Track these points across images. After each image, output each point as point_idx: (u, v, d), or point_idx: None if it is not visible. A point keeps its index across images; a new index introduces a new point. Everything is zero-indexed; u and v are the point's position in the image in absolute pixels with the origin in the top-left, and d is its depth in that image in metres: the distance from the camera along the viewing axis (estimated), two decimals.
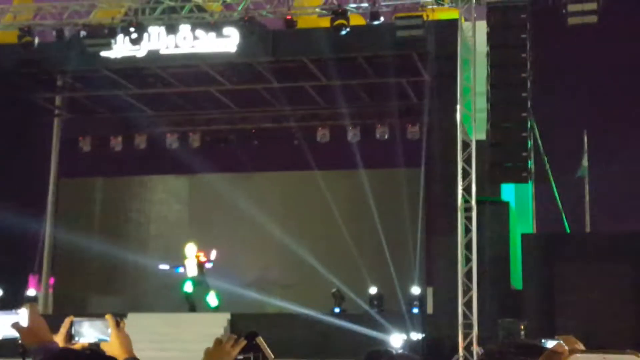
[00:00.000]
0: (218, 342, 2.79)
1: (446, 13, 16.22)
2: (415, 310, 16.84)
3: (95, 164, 21.05)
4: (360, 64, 17.52)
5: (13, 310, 2.76)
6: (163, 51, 16.52)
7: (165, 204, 21.95)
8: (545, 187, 17.26)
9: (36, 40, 16.09)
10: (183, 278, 17.71)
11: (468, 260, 14.86)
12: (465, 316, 14.59)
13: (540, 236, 16.58)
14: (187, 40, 16.40)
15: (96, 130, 20.93)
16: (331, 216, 19.34)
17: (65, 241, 19.85)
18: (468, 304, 14.61)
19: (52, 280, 20.24)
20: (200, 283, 17.68)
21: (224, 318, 16.48)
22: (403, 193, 18.96)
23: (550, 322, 14.85)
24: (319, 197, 19.56)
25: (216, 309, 17.62)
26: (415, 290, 17.64)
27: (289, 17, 15.80)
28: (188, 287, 17.65)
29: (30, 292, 19.03)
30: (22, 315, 2.70)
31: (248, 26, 15.77)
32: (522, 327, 14.27)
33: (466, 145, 15.21)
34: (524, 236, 16.28)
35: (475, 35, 15.36)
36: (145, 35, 16.15)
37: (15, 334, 2.71)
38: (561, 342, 1.33)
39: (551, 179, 17.25)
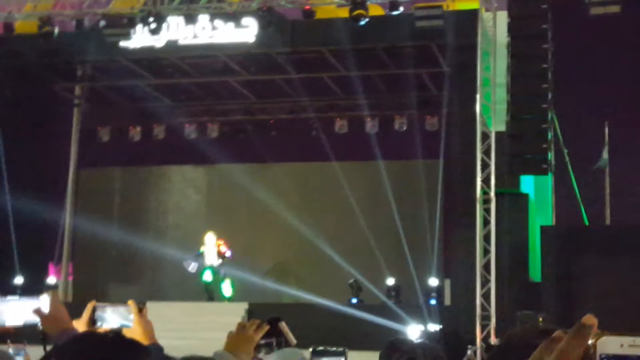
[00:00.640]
0: (241, 326, 2.79)
1: (466, 3, 16.08)
2: (433, 302, 16.82)
3: (114, 154, 21.15)
4: (379, 54, 17.42)
5: (35, 297, 2.77)
6: (182, 41, 16.54)
7: (183, 194, 22.03)
8: (565, 179, 17.11)
9: (56, 30, 16.16)
10: (202, 267, 17.74)
11: (486, 252, 14.80)
12: (483, 308, 14.54)
13: (560, 228, 16.45)
14: (205, 30, 16.40)
15: (115, 120, 21.03)
16: (349, 207, 19.29)
17: (85, 230, 20.00)
18: (486, 296, 14.56)
19: (71, 269, 20.42)
20: (218, 272, 17.71)
21: (241, 307, 16.51)
22: (421, 185, 18.89)
23: (568, 315, 14.74)
24: (336, 188, 19.52)
25: (230, 299, 17.63)
26: (433, 281, 17.60)
27: (307, 7, 15.76)
28: (207, 276, 17.62)
29: (51, 279, 19.23)
30: (44, 302, 2.71)
31: (266, 16, 15.75)
32: (540, 319, 14.18)
33: (485, 136, 15.13)
34: (543, 228, 16.15)
35: (496, 26, 15.25)
36: (164, 25, 16.16)
37: (36, 320, 2.73)
38: (591, 314, 1.30)
39: (571, 171, 17.11)
